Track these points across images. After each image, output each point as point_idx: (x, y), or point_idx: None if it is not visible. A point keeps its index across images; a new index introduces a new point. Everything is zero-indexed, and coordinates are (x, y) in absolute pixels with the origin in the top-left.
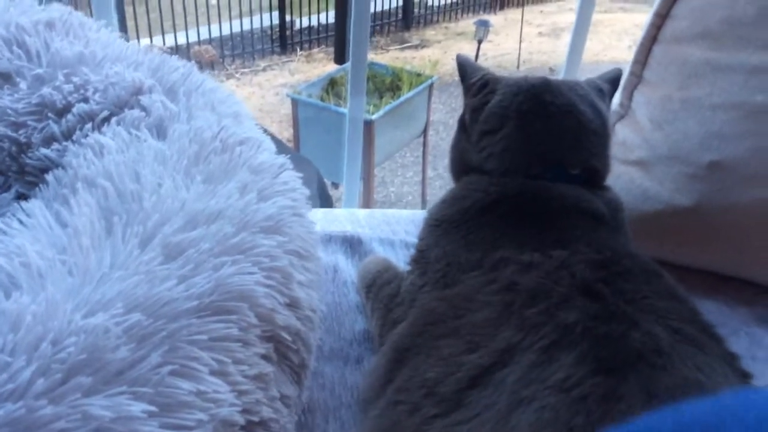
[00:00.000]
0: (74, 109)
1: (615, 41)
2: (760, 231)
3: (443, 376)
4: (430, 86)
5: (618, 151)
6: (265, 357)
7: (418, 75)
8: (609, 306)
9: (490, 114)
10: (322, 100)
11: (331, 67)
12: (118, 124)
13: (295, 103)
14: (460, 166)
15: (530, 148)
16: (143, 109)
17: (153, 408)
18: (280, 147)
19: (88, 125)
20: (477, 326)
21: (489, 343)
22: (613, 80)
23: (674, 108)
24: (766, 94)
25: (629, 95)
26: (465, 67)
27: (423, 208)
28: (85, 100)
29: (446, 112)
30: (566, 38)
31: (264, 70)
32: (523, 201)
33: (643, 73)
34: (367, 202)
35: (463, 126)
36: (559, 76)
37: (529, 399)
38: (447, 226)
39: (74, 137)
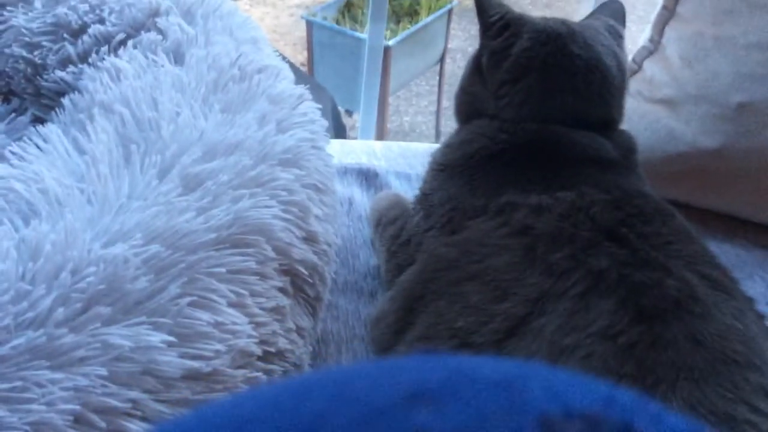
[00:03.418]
0: (90, 30)
1: None
2: None
3: (476, 325)
4: (450, 11)
5: (644, 89)
6: (281, 290)
7: None
8: (638, 252)
9: (515, 63)
10: (337, 23)
11: None
12: (135, 47)
13: (309, 25)
14: (470, 109)
15: (552, 101)
16: (160, 32)
17: (172, 338)
18: (297, 74)
19: (104, 48)
20: (500, 271)
21: (518, 290)
22: (622, 18)
23: (706, 45)
24: None
25: (660, 30)
26: (483, 1)
27: (437, 139)
28: (101, 21)
29: (465, 39)
30: None
31: None
32: (531, 148)
33: (676, 7)
34: (380, 132)
35: (478, 68)
36: (589, 6)
37: (572, 347)
38: (451, 171)
39: (90, 60)
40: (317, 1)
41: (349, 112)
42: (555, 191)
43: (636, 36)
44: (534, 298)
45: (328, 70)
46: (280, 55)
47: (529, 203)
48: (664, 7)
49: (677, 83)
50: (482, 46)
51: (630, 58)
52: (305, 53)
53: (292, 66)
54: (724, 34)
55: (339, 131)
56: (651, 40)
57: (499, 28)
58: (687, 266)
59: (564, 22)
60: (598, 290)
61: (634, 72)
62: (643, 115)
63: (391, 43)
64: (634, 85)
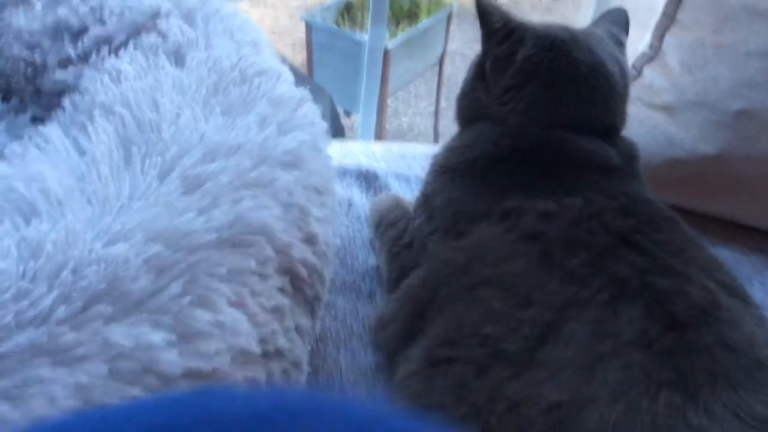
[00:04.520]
0: (90, 32)
1: None
2: None
3: (506, 333)
4: (449, 14)
5: (644, 95)
6: (281, 290)
7: (437, 1)
8: (656, 259)
9: (520, 70)
10: (337, 24)
11: None
12: (135, 48)
13: (309, 26)
14: (471, 114)
15: (556, 106)
16: (160, 34)
17: (172, 337)
18: (297, 76)
19: (105, 49)
20: (518, 277)
21: (541, 296)
22: (625, 26)
23: (706, 53)
24: None
25: (660, 36)
26: (485, 8)
27: (435, 140)
28: (102, 22)
29: (464, 42)
30: None
31: None
32: (535, 153)
33: (676, 14)
34: (378, 132)
35: (481, 74)
36: (590, 10)
37: (608, 355)
38: (453, 174)
39: (90, 61)
40: (317, 2)
41: (348, 113)
42: (560, 197)
43: (636, 42)
44: (558, 305)
45: (327, 70)
46: (280, 56)
47: (535, 208)
48: (665, 14)
49: (677, 89)
50: (485, 53)
51: (630, 63)
52: (304, 54)
53: (293, 69)
54: (725, 41)
55: (338, 132)
56: (651, 46)
57: (503, 35)
58: (704, 273)
59: (567, 29)
60: (624, 297)
61: (634, 78)
62: (643, 121)
63: (390, 45)
64: (633, 91)
